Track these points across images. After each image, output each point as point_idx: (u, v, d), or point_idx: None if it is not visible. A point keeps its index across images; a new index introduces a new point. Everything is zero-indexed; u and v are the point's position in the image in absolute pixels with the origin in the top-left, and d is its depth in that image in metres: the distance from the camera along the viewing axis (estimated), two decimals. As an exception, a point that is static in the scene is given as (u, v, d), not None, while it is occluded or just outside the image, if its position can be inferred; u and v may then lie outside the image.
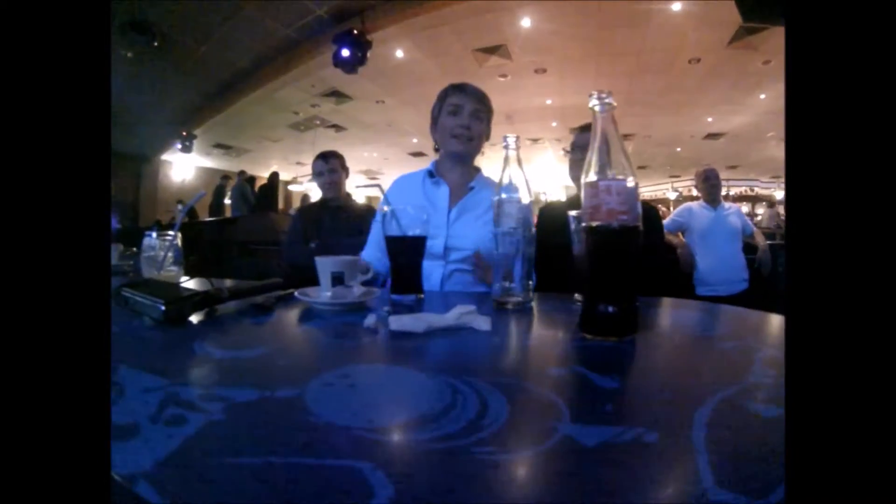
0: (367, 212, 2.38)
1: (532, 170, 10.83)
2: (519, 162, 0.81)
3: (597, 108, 0.64)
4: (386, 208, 0.87)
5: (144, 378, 0.42)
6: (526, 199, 0.79)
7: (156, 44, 5.27)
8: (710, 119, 7.44)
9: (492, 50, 5.43)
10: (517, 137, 0.81)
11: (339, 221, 2.23)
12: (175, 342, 0.58)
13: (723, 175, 2.96)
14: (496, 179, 1.38)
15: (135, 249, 2.30)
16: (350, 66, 4.97)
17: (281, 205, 8.60)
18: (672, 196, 11.13)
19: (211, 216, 7.13)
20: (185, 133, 8.32)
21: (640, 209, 0.61)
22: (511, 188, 0.80)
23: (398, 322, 0.60)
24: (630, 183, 0.60)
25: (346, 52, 4.89)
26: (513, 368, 0.51)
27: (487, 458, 0.28)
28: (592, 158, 0.62)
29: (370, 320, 0.63)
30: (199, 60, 5.83)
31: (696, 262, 2.60)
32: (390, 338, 0.59)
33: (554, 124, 7.84)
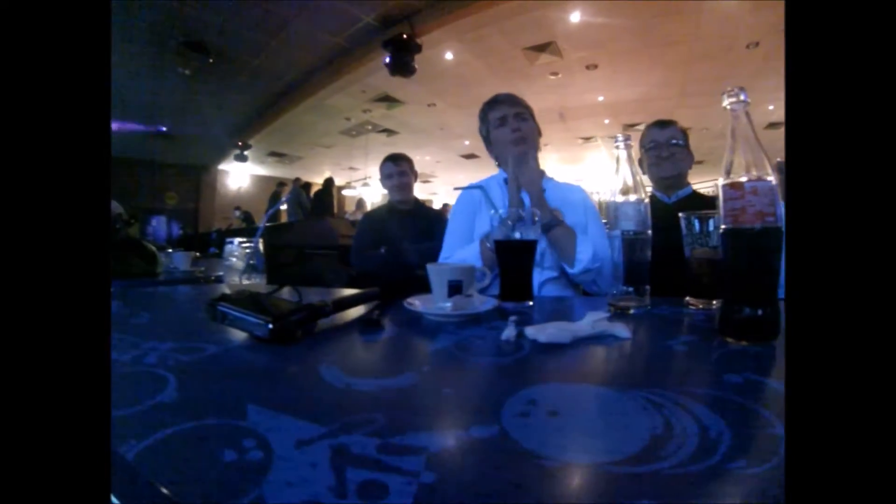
0: (436, 216, 2.33)
1: (585, 169, 10.60)
2: (631, 161, 0.79)
3: (730, 108, 0.62)
4: (499, 212, 0.86)
5: (287, 423, 0.33)
6: (644, 200, 0.77)
7: (211, 60, 5.54)
8: (770, 107, 7.05)
9: (541, 48, 5.37)
10: (628, 137, 0.79)
11: (407, 226, 2.17)
12: (294, 368, 0.50)
13: (787, 168, 2.79)
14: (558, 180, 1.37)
15: (198, 254, 2.39)
16: (401, 70, 5.03)
17: (334, 210, 8.81)
18: (732, 192, 10.61)
19: (268, 222, 7.38)
20: (240, 143, 8.69)
21: (783, 209, 0.59)
22: (625, 189, 0.78)
23: (543, 333, 0.57)
24: (773, 182, 0.58)
25: (396, 58, 4.96)
26: (691, 377, 0.48)
27: (749, 473, 0.27)
28: (732, 158, 0.60)
29: (509, 332, 0.59)
30: (253, 73, 6.08)
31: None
32: (539, 351, 0.54)
33: (606, 121, 7.66)
